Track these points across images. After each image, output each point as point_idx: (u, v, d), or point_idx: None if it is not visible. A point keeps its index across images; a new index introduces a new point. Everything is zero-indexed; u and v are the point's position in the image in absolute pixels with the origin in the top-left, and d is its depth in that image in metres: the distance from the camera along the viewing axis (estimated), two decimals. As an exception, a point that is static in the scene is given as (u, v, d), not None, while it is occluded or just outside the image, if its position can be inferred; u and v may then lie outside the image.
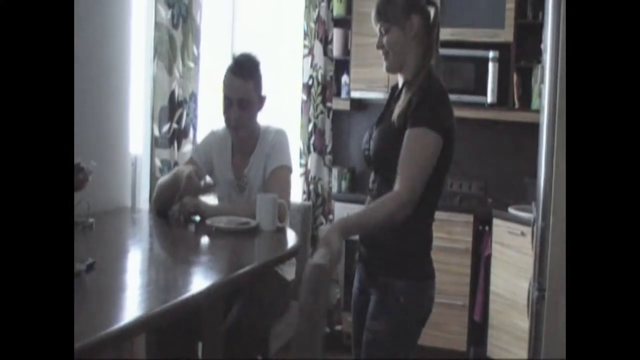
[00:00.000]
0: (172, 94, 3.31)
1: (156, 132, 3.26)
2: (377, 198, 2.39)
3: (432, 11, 2.42)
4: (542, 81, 2.96)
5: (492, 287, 4.48)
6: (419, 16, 2.40)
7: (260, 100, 3.09)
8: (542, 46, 2.89)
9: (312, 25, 4.60)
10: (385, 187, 2.39)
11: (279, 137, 3.12)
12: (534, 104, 4.70)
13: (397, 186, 2.29)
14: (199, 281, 2.29)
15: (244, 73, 3.02)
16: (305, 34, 4.62)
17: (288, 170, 3.11)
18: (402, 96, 2.40)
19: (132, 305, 1.91)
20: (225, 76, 3.05)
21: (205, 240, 2.77)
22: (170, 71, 3.29)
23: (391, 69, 2.48)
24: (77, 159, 2.41)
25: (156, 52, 3.24)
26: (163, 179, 3.08)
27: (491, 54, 4.83)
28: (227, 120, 3.06)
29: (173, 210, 2.98)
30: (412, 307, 2.38)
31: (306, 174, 4.60)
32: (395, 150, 2.33)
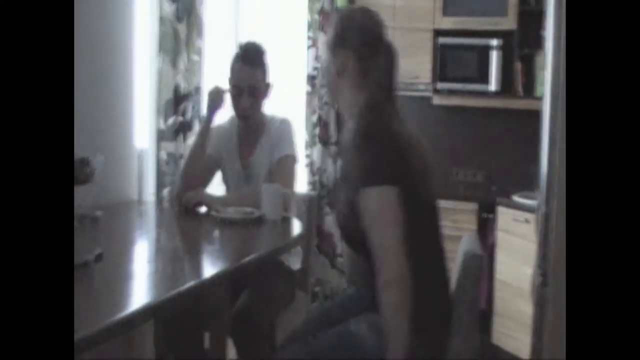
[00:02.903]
0: (177, 87, 3.35)
1: (161, 125, 3.29)
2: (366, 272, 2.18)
3: (378, 54, 2.20)
4: (544, 68, 2.97)
5: (497, 275, 4.51)
6: (351, 54, 2.19)
7: (267, 88, 3.13)
8: (544, 33, 2.90)
9: (316, 16, 4.64)
10: (366, 263, 2.14)
11: (285, 127, 3.14)
12: (538, 92, 4.70)
13: (376, 271, 2.03)
14: (206, 269, 2.34)
15: (253, 61, 3.06)
16: (309, 26, 4.65)
17: (293, 159, 3.13)
18: (346, 149, 2.19)
19: (139, 293, 1.95)
20: (234, 64, 3.08)
21: (211, 230, 2.80)
22: (174, 65, 3.32)
23: (328, 100, 2.35)
24: (84, 153, 2.45)
25: (161, 46, 3.27)
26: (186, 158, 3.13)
27: (494, 42, 4.85)
28: (237, 109, 3.09)
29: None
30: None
31: (311, 165, 4.64)
32: (351, 220, 2.12)
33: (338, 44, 2.22)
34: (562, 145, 2.67)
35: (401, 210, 2.03)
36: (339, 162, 2.21)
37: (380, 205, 2.03)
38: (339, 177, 2.18)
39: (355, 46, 2.19)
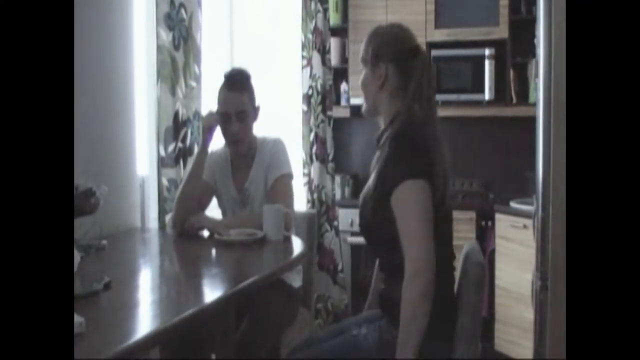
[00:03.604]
0: (176, 114, 3.39)
1: (162, 152, 3.33)
2: (385, 272, 2.36)
3: (416, 64, 2.32)
4: (537, 75, 3.01)
5: (497, 281, 4.56)
6: (392, 66, 2.34)
7: (255, 111, 3.18)
8: (536, 40, 2.95)
9: (310, 36, 4.69)
10: (387, 260, 2.33)
11: (278, 147, 3.19)
12: (531, 98, 4.75)
13: (405, 261, 2.16)
14: (210, 293, 2.36)
15: (238, 86, 3.12)
16: (303, 46, 4.70)
17: (290, 177, 3.17)
18: (378, 152, 2.34)
19: (146, 320, 1.98)
20: (220, 93, 3.14)
21: (214, 253, 2.84)
22: (173, 92, 3.36)
23: (364, 112, 2.45)
24: (88, 184, 2.50)
25: (159, 74, 3.31)
26: (180, 187, 3.17)
27: (487, 51, 4.92)
28: (227, 135, 3.13)
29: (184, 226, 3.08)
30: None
31: (310, 182, 4.67)
32: (380, 216, 2.25)
33: (377, 58, 2.36)
34: (557, 149, 2.72)
35: (431, 205, 2.18)
36: (376, 158, 2.33)
37: (415, 195, 2.18)
38: (372, 177, 2.30)
39: (395, 57, 2.35)
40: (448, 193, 2.31)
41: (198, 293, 2.36)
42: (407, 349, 2.14)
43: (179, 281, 2.55)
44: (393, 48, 2.36)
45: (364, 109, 2.47)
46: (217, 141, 3.24)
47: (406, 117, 2.30)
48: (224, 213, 3.28)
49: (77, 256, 2.17)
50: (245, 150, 3.17)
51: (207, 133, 3.14)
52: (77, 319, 1.64)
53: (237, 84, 3.13)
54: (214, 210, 3.30)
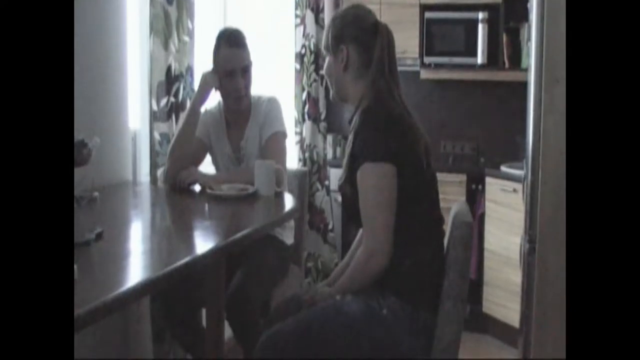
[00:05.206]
0: (169, 68, 3.37)
1: (154, 107, 3.32)
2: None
3: (376, 41, 2.33)
4: (529, 39, 3.01)
5: (486, 245, 4.59)
6: (352, 47, 2.34)
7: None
8: (529, 5, 2.95)
9: (304, -6, 4.67)
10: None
11: (272, 105, 3.20)
12: (524, 63, 4.75)
13: (363, 238, 2.25)
14: (201, 244, 2.37)
15: (240, 42, 3.14)
16: (297, 4, 4.68)
17: (283, 135, 3.20)
18: (350, 131, 2.34)
19: (137, 270, 1.99)
20: (222, 50, 3.13)
21: (205, 207, 2.85)
22: (166, 46, 3.34)
23: (333, 98, 2.47)
24: (81, 136, 2.50)
25: (152, 28, 3.28)
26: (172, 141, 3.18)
27: (480, 15, 4.89)
28: (232, 92, 3.13)
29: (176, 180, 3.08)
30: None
31: (301, 141, 4.69)
32: (350, 190, 2.28)
33: (338, 42, 2.36)
34: (547, 113, 2.73)
35: (395, 187, 2.19)
36: (349, 139, 2.33)
37: (374, 180, 2.19)
38: (346, 155, 2.32)
39: (355, 37, 2.34)
40: (430, 165, 2.32)
41: (189, 244, 2.37)
42: (334, 291, 2.32)
43: (171, 233, 2.56)
44: (351, 28, 2.36)
45: (331, 94, 2.48)
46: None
47: (372, 94, 2.30)
48: (217, 169, 3.29)
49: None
50: (247, 105, 3.19)
51: (205, 93, 3.14)
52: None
53: (238, 40, 3.15)
54: (208, 167, 3.30)
